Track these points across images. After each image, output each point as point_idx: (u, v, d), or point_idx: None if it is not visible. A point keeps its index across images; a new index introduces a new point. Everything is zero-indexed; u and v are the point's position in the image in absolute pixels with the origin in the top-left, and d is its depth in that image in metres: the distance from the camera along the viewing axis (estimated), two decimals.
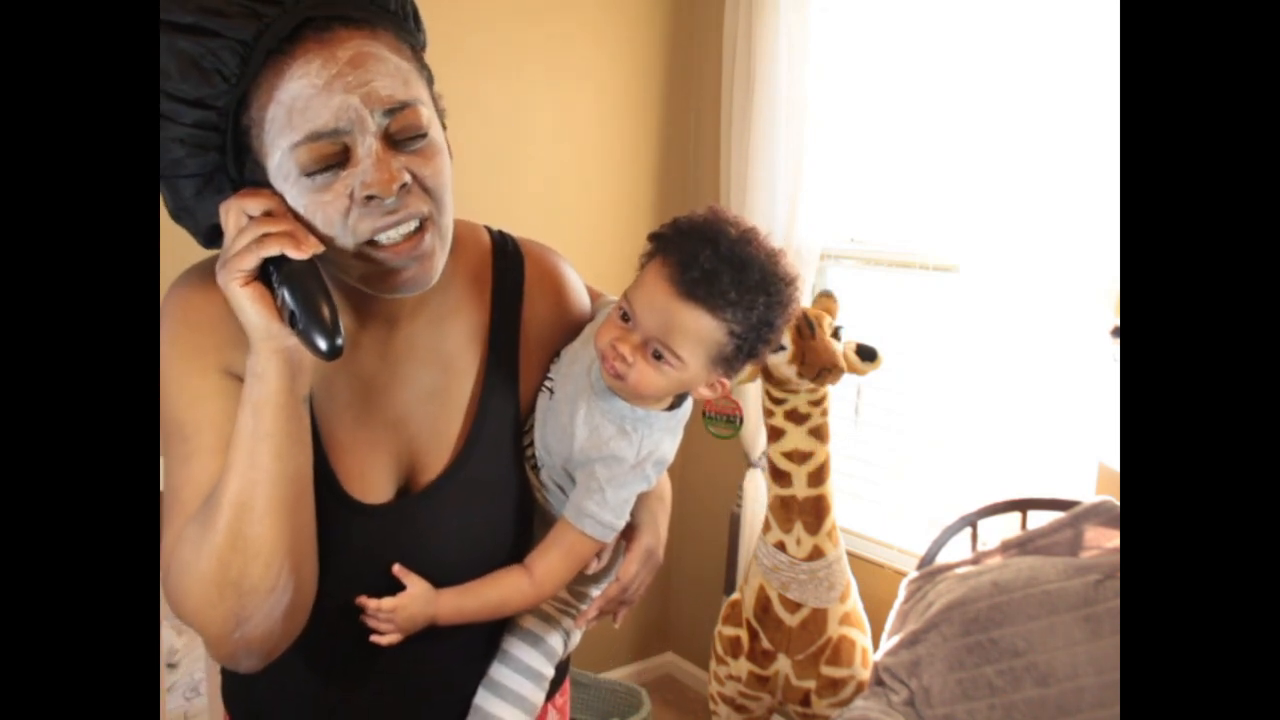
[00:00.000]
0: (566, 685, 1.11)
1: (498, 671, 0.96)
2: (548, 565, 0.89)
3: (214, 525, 0.72)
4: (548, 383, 0.93)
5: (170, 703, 1.80)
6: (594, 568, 0.94)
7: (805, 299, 2.24)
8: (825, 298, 1.96)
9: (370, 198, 0.72)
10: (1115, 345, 1.70)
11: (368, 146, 0.71)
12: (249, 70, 0.70)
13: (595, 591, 0.99)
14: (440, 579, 0.87)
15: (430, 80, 0.81)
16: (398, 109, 0.72)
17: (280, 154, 0.71)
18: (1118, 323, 1.69)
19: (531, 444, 0.94)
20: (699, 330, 0.83)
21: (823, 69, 2.19)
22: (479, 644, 0.96)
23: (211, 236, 0.79)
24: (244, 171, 0.74)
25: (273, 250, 0.70)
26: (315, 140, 0.70)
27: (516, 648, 0.97)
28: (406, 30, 0.78)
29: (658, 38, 2.53)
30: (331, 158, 0.71)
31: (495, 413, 0.90)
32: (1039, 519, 1.87)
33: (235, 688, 0.97)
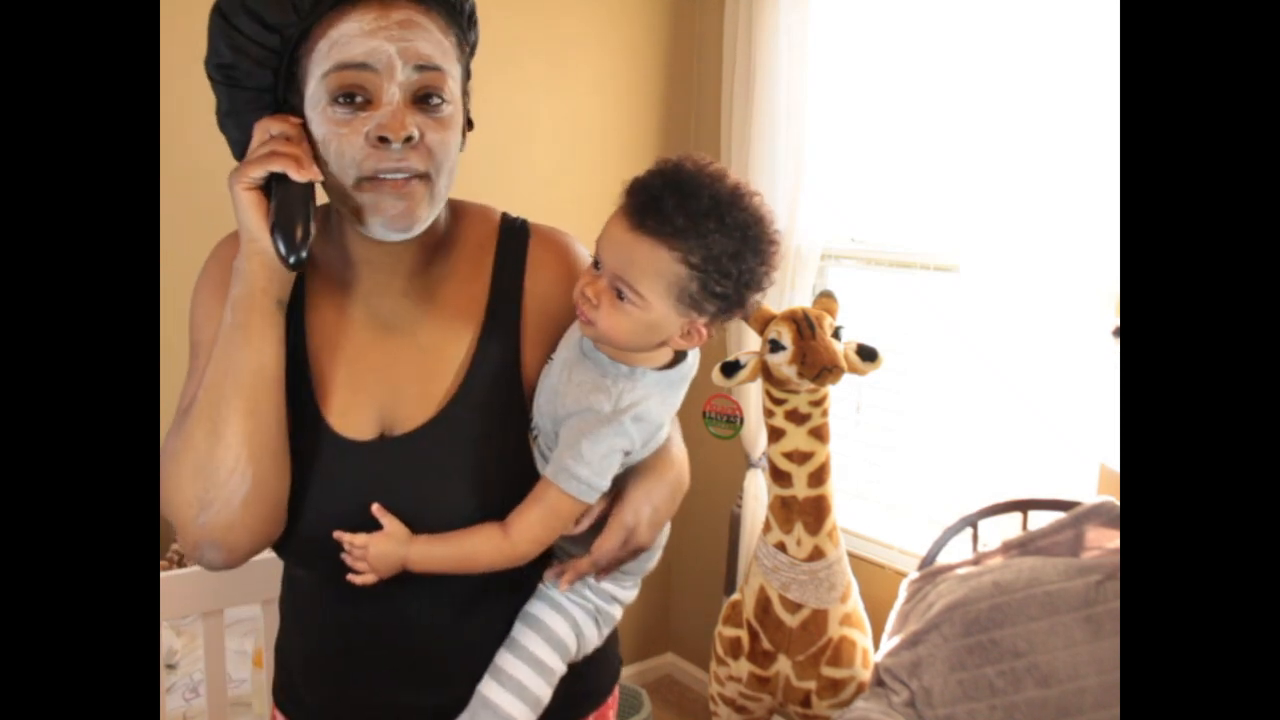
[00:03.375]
0: (615, 694, 1.10)
1: (503, 659, 0.94)
2: (524, 523, 0.87)
3: (192, 411, 0.82)
4: (553, 354, 0.93)
5: (170, 703, 1.80)
6: (575, 529, 0.91)
7: (805, 299, 2.24)
8: (825, 298, 1.96)
9: (382, 139, 0.79)
10: (1116, 345, 1.70)
11: (391, 94, 0.80)
12: (318, 10, 0.79)
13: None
14: (416, 527, 0.87)
15: (467, 76, 0.89)
16: (427, 68, 0.81)
17: (315, 81, 0.80)
18: (1118, 323, 1.69)
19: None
20: (654, 264, 0.81)
21: (823, 69, 2.19)
22: (478, 616, 0.96)
23: (244, 148, 0.86)
24: (288, 96, 0.84)
25: (277, 166, 0.79)
26: (342, 69, 0.79)
27: (524, 635, 0.94)
28: (457, 22, 0.87)
29: (658, 38, 2.53)
30: (354, 89, 0.79)
31: (486, 373, 0.92)
32: (1040, 519, 1.87)
33: (283, 627, 1.04)
